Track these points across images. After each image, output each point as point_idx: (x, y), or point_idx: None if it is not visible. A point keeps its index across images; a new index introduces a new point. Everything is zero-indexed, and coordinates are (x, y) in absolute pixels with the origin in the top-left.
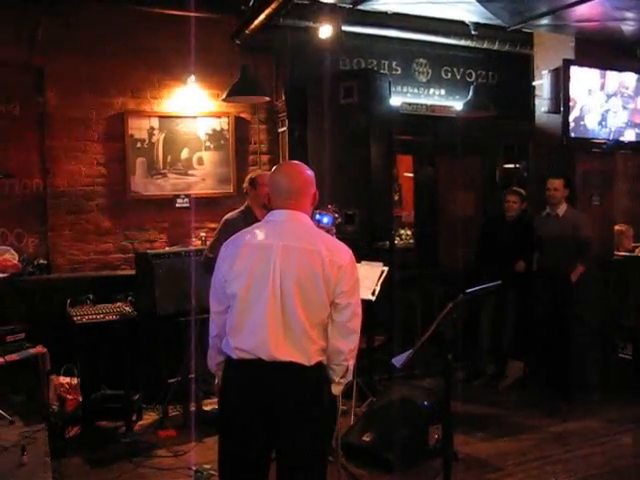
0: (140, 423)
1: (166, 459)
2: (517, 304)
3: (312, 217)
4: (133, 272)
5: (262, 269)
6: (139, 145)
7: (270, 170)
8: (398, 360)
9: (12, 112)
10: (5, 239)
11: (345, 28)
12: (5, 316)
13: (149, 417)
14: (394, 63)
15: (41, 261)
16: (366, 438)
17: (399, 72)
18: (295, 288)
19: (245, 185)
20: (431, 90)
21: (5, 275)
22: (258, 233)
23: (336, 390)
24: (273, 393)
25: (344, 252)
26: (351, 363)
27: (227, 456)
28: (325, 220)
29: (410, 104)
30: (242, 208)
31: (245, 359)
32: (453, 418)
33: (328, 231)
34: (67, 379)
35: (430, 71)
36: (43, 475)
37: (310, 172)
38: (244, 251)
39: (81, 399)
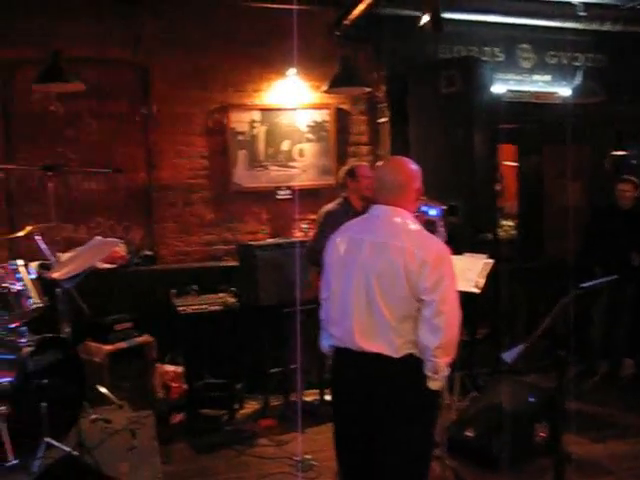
0: (242, 412)
1: (268, 448)
2: (635, 299)
3: (418, 209)
4: (236, 263)
5: (352, 263)
6: (241, 138)
7: (370, 161)
8: (508, 355)
9: (120, 109)
10: (114, 231)
11: (445, 15)
12: (114, 306)
13: (251, 406)
14: (496, 50)
15: (147, 252)
16: (469, 433)
17: (502, 59)
18: (378, 283)
19: (342, 176)
20: (535, 76)
21: (114, 266)
22: (355, 227)
23: (433, 385)
24: (364, 381)
25: (432, 248)
26: (441, 360)
27: (336, 439)
28: (432, 212)
29: (514, 91)
30: (340, 200)
31: (340, 347)
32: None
33: (434, 223)
34: (172, 367)
35: (534, 56)
36: (152, 459)
37: (415, 167)
38: (340, 245)
39: (185, 387)
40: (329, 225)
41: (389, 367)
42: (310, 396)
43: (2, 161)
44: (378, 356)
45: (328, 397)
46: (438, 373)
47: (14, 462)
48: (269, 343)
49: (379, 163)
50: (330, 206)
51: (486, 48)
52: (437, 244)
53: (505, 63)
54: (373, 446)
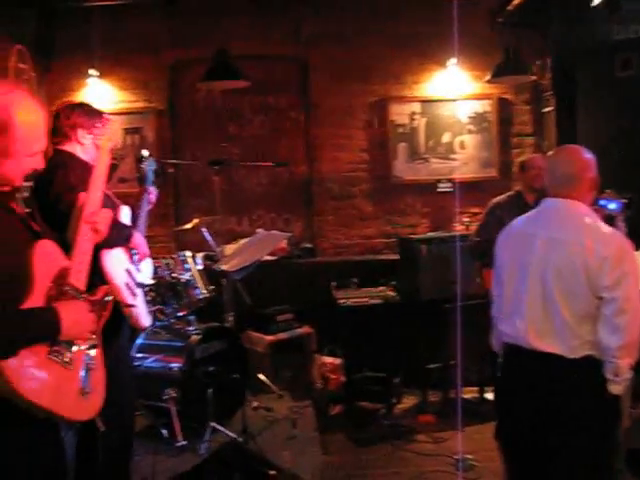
0: (399, 406)
1: (426, 444)
2: None
3: (596, 203)
4: (396, 257)
5: (525, 259)
6: (401, 130)
7: (536, 153)
8: None
9: (280, 103)
10: (274, 224)
11: None
12: (275, 297)
13: (408, 401)
14: None
15: (307, 245)
16: None
17: None
18: (555, 280)
19: (516, 169)
20: None
21: (275, 258)
22: (526, 222)
23: (614, 389)
24: (537, 382)
25: (611, 243)
26: (623, 362)
27: (502, 441)
28: (612, 206)
29: None
30: (511, 193)
31: (511, 344)
32: None
33: (614, 218)
34: (331, 359)
35: None
36: (312, 449)
37: (588, 156)
38: (510, 240)
39: (344, 379)
40: (495, 217)
41: (564, 368)
42: (469, 393)
43: (170, 156)
44: (553, 356)
45: (488, 395)
46: (619, 376)
47: (183, 443)
48: (428, 338)
49: (550, 153)
50: (499, 198)
51: None
52: (618, 238)
53: None
54: (544, 452)
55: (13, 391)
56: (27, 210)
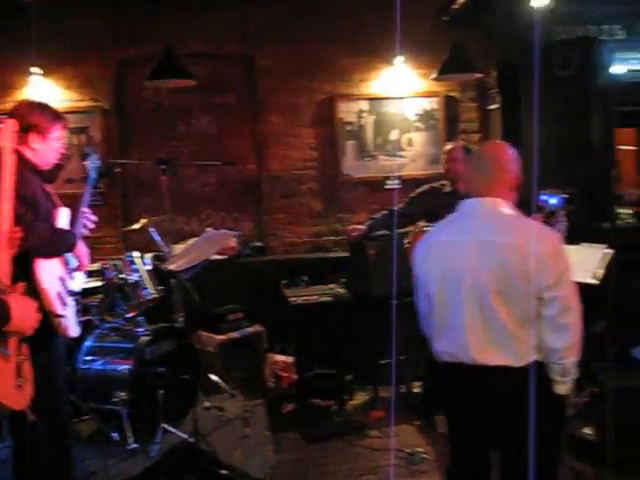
0: (352, 403)
1: (378, 439)
2: None
3: (537, 198)
4: (345, 254)
5: (454, 269)
6: (349, 128)
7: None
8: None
9: (227, 102)
10: (224, 223)
11: None
12: (225, 296)
13: (360, 397)
14: (615, 27)
15: (257, 243)
16: (588, 431)
17: (621, 37)
18: (491, 286)
19: None
20: None
21: (224, 257)
22: (448, 229)
23: (560, 389)
24: (484, 398)
25: (546, 241)
26: (570, 361)
27: (454, 449)
28: (553, 201)
29: (635, 71)
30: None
31: (452, 362)
32: None
33: (554, 213)
34: (282, 357)
35: None
36: (264, 447)
37: (509, 152)
38: (433, 251)
39: (296, 377)
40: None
41: (512, 378)
42: (419, 388)
43: (117, 156)
44: (500, 368)
45: None
46: (567, 376)
47: (134, 446)
48: (378, 334)
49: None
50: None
51: (604, 26)
52: (551, 237)
53: (625, 41)
54: (498, 454)
55: None
56: None
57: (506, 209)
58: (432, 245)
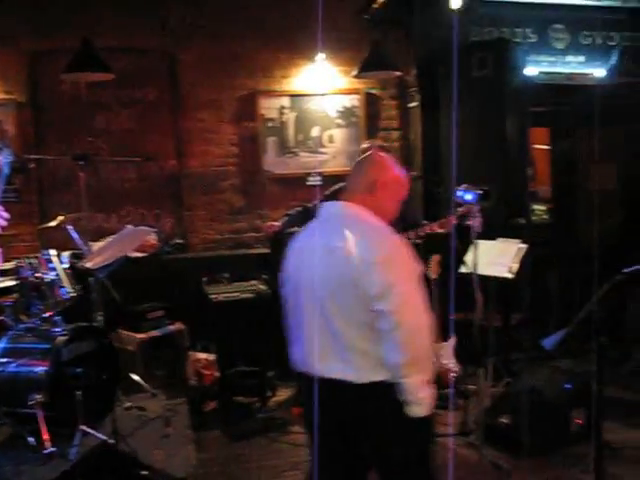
0: (274, 399)
1: (301, 435)
2: None
3: (454, 194)
4: (267, 250)
5: (300, 274)
6: (270, 124)
7: (401, 147)
8: (549, 342)
9: (147, 97)
10: (144, 219)
11: None
12: (145, 294)
13: (283, 394)
14: (528, 31)
15: (177, 241)
16: (504, 420)
17: (534, 40)
18: (326, 294)
19: None
20: (569, 57)
21: (144, 254)
22: (308, 233)
23: (413, 411)
24: (327, 412)
25: (378, 246)
26: (413, 380)
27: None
28: (468, 197)
29: (547, 73)
30: None
31: (303, 373)
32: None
33: (470, 210)
34: (204, 355)
35: (568, 37)
36: (186, 446)
37: (376, 158)
38: (294, 257)
39: (218, 375)
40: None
41: (352, 395)
42: None
43: (33, 151)
44: (339, 382)
45: None
46: (413, 395)
47: (51, 450)
48: None
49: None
50: None
51: (518, 29)
52: (386, 241)
53: (538, 44)
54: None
55: None
56: None
57: (352, 212)
58: (294, 250)
